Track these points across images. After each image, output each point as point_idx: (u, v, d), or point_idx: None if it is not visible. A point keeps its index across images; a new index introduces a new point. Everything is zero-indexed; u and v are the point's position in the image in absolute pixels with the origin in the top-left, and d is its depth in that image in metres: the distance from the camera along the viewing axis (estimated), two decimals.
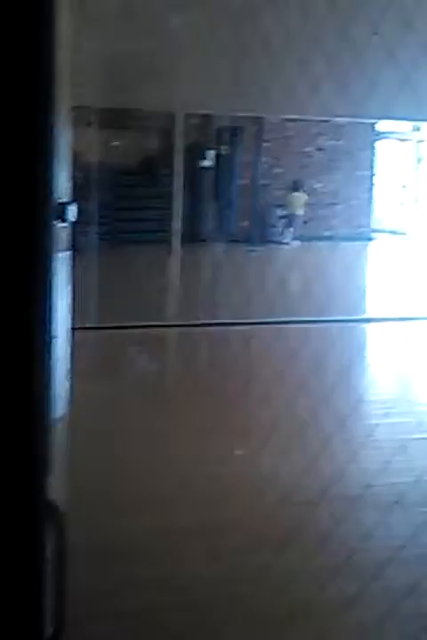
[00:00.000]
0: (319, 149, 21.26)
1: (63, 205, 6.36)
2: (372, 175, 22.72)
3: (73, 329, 8.71)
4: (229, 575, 4.66)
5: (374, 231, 22.79)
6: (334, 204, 20.87)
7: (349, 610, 4.47)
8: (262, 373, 6.33)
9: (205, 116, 19.01)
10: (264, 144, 20.50)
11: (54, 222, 1.41)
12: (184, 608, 4.54)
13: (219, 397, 6.35)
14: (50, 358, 1.40)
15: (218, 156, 18.92)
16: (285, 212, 21.17)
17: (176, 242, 16.22)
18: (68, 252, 6.29)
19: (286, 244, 20.83)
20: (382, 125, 21.88)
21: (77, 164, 9.78)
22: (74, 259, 8.19)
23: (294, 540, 4.95)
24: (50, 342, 1.40)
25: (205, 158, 19.75)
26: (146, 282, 10.76)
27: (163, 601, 4.59)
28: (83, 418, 6.96)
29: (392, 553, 4.76)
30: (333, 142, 20.82)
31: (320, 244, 18.89)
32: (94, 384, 8.38)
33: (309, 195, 21.18)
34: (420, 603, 4.42)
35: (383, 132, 23.03)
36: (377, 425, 5.65)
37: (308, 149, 21.34)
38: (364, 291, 13.08)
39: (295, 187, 20.95)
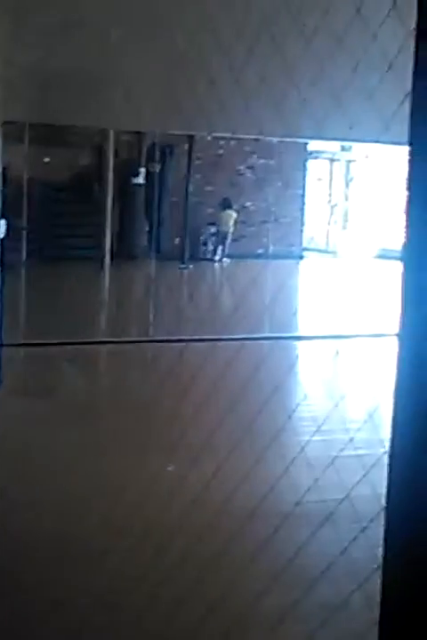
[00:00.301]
0: (251, 168, 21.41)
1: None
2: (303, 194, 22.93)
3: (1, 345, 8.62)
4: (159, 593, 4.63)
5: (305, 249, 23.00)
6: (265, 222, 21.02)
7: (280, 626, 4.47)
8: (194, 390, 6.33)
9: (138, 134, 19.00)
10: (196, 162, 20.56)
11: None
12: (115, 628, 4.50)
13: (151, 414, 6.33)
14: None
15: (150, 174, 18.92)
16: (216, 230, 21.26)
17: (107, 258, 16.17)
18: None
19: (218, 261, 20.90)
20: (314, 145, 22.12)
21: (8, 180, 9.68)
22: (3, 275, 8.11)
23: (224, 557, 4.95)
24: None
25: (137, 175, 19.73)
26: (76, 298, 10.70)
27: (92, 623, 4.54)
28: (9, 436, 6.87)
29: (323, 569, 4.77)
30: (264, 161, 20.97)
31: (251, 261, 18.99)
32: (23, 401, 8.28)
33: (239, 213, 21.29)
34: (351, 618, 4.44)
35: (314, 152, 23.28)
36: (308, 441, 5.68)
37: (239, 168, 21.46)
38: (295, 308, 13.19)
39: (225, 204, 21.06)
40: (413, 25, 1.41)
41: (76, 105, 7.16)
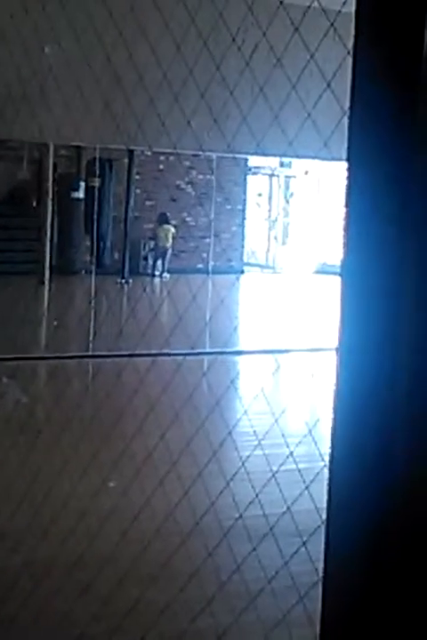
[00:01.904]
0: (191, 183, 21.45)
1: None
2: (243, 209, 23.04)
3: None
4: (98, 610, 4.60)
5: (246, 265, 23.09)
6: (204, 237, 21.06)
7: None
8: (135, 406, 6.31)
9: (77, 148, 18.93)
10: (136, 177, 20.54)
11: None
12: None
13: (90, 430, 6.30)
14: None
15: (90, 188, 18.84)
16: (155, 245, 21.25)
17: (47, 273, 16.07)
18: None
19: (157, 276, 20.88)
20: (254, 161, 22.24)
21: None
22: None
23: (165, 572, 4.93)
24: None
25: (76, 190, 19.65)
26: (15, 313, 10.62)
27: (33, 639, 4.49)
28: None
29: (263, 583, 4.79)
30: (204, 176, 21.03)
31: (191, 276, 19.01)
32: None
33: (179, 228, 21.31)
34: (291, 632, 4.46)
35: (254, 168, 23.40)
36: (249, 456, 5.69)
37: (179, 183, 21.49)
38: (235, 324, 13.23)
39: (163, 219, 21.07)
40: (350, 44, 1.43)
41: (14, 119, 7.11)
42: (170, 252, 21.14)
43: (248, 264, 23.22)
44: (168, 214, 21.02)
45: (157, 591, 4.82)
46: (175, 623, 4.65)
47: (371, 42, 1.38)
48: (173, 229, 21.14)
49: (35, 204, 19.07)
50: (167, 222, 21.06)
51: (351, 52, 1.40)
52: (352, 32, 1.39)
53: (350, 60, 1.43)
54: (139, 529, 5.32)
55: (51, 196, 17.46)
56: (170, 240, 21.10)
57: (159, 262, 21.08)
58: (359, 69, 1.39)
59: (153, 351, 9.44)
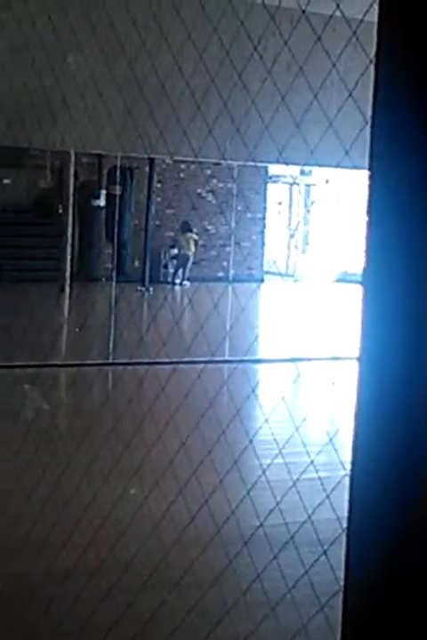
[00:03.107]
0: (211, 191, 21.46)
1: None
2: (263, 218, 23.04)
3: None
4: (120, 617, 4.61)
5: (266, 273, 23.08)
6: (225, 245, 21.07)
7: None
8: (155, 414, 6.32)
9: (99, 156, 18.99)
10: (157, 185, 20.59)
11: None
12: None
13: (113, 438, 6.31)
14: None
15: (111, 196, 18.89)
16: (176, 253, 21.28)
17: (67, 280, 16.11)
18: None
19: (178, 284, 20.91)
20: (274, 169, 22.24)
21: None
22: None
23: (186, 580, 4.93)
24: None
25: (97, 198, 19.71)
26: (36, 321, 10.65)
27: None
28: None
29: (284, 592, 4.78)
30: (224, 185, 21.04)
31: (212, 285, 19.03)
32: None
33: (200, 236, 21.34)
34: None
35: (274, 176, 23.40)
36: (269, 465, 5.69)
37: (200, 191, 21.52)
38: (255, 332, 13.22)
39: (186, 228, 21.09)
40: (372, 53, 1.43)
41: (36, 127, 7.15)
42: (191, 260, 21.16)
43: (268, 272, 23.21)
44: (190, 222, 21.04)
45: (177, 598, 4.82)
46: (195, 631, 4.65)
47: (393, 50, 1.38)
48: (195, 237, 21.16)
49: (56, 211, 19.14)
50: (190, 230, 21.08)
51: (373, 61, 1.40)
52: (374, 40, 1.39)
53: (372, 69, 1.43)
54: (159, 536, 5.32)
55: (72, 203, 17.52)
56: (192, 248, 21.12)
57: (180, 270, 21.11)
58: (381, 78, 1.40)
59: (174, 359, 9.45)
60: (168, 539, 5.30)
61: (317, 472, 5.51)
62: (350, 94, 3.72)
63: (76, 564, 5.19)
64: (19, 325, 11.27)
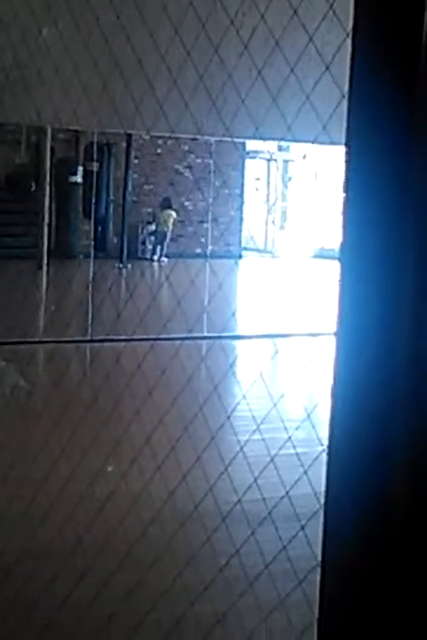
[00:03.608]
0: (189, 167, 21.41)
1: None
2: (241, 194, 23.01)
3: None
4: (99, 594, 4.61)
5: (244, 249, 23.08)
6: (202, 221, 21.04)
7: (219, 625, 4.48)
8: (133, 390, 6.31)
9: (75, 132, 18.90)
10: (134, 161, 20.51)
11: None
12: (51, 630, 4.46)
13: (90, 414, 6.30)
14: None
15: (88, 172, 18.81)
16: (154, 229, 21.23)
17: (45, 257, 16.05)
18: None
19: (156, 260, 20.88)
20: (252, 145, 22.21)
21: None
22: None
23: (164, 557, 4.94)
24: None
25: (74, 174, 19.62)
26: (13, 297, 10.61)
27: (32, 622, 4.51)
28: None
29: (262, 568, 4.79)
30: (202, 160, 20.99)
31: (189, 261, 18.99)
32: None
33: (178, 212, 21.29)
34: (288, 617, 4.47)
35: (252, 152, 23.37)
36: (247, 441, 5.70)
37: (177, 167, 21.46)
38: (233, 308, 13.23)
39: (165, 204, 21.04)
40: (350, 26, 1.42)
41: (11, 102, 7.09)
42: (169, 236, 21.13)
43: (246, 248, 23.21)
44: (170, 199, 20.99)
45: (155, 576, 4.82)
46: (173, 608, 4.67)
47: (370, 25, 1.37)
48: (174, 214, 21.13)
49: (33, 188, 19.04)
50: (170, 207, 21.04)
51: (350, 35, 1.39)
52: (351, 14, 1.38)
53: (349, 43, 1.42)
54: (137, 513, 5.32)
55: (49, 180, 17.43)
56: (170, 225, 21.08)
57: (158, 247, 21.07)
58: (358, 52, 1.38)
59: (151, 335, 9.44)
60: (146, 516, 5.30)
61: (294, 448, 5.53)
62: (327, 68, 3.70)
63: (53, 542, 5.18)
64: None
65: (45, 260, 16.10)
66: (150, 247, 21.23)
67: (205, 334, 11.94)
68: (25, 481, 5.55)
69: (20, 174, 19.54)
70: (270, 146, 22.72)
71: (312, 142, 5.31)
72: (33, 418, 7.63)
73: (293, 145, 21.24)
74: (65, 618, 4.55)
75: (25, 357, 10.84)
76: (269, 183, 24.79)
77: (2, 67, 6.68)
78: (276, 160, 24.34)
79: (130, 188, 20.02)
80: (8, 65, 6.69)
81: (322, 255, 21.57)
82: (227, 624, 4.56)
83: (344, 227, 1.40)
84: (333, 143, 4.52)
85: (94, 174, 16.93)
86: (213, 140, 16.12)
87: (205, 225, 20.38)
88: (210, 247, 18.67)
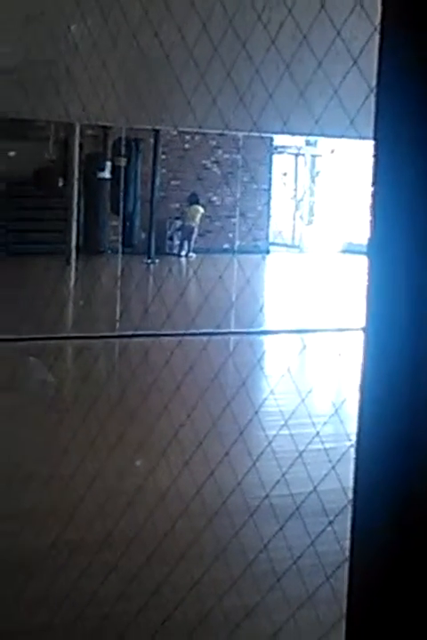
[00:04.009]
0: (216, 163, 21.40)
1: None
2: (269, 189, 22.97)
3: None
4: (126, 590, 4.63)
5: (272, 244, 23.03)
6: (230, 216, 21.02)
7: (247, 620, 4.49)
8: (161, 385, 6.32)
9: (104, 128, 18.93)
10: (162, 156, 20.53)
11: None
12: (80, 626, 4.48)
13: (119, 409, 6.32)
14: None
15: (116, 168, 18.85)
16: (182, 225, 21.24)
17: (73, 253, 16.11)
18: None
19: (184, 256, 20.89)
20: (279, 140, 22.16)
21: None
22: None
23: (192, 552, 4.95)
24: None
25: (102, 170, 19.66)
26: (42, 293, 10.65)
27: (59, 619, 4.53)
28: None
29: (290, 563, 4.79)
30: (230, 155, 20.97)
31: (217, 256, 19.00)
32: None
33: (205, 207, 21.29)
34: (316, 612, 4.46)
35: (280, 147, 23.31)
36: (275, 436, 5.70)
37: (205, 162, 21.45)
38: (261, 303, 13.23)
39: (192, 199, 21.04)
40: (377, 21, 1.41)
41: (40, 98, 7.12)
42: (196, 231, 21.13)
43: (274, 244, 23.17)
44: (198, 194, 20.99)
45: (183, 570, 4.83)
46: (202, 602, 4.67)
47: (398, 18, 1.36)
48: (202, 210, 21.12)
49: (61, 184, 19.11)
50: (198, 202, 21.03)
51: (378, 29, 1.38)
52: (379, 8, 1.38)
53: (377, 37, 1.41)
54: (165, 508, 5.34)
55: (77, 176, 17.49)
56: (198, 220, 21.08)
57: (186, 242, 21.08)
58: (386, 46, 1.38)
59: (179, 331, 9.45)
60: (174, 511, 5.31)
61: (322, 443, 5.51)
62: (355, 62, 3.69)
63: (83, 537, 5.21)
64: (25, 298, 11.29)
65: (74, 256, 16.16)
66: (178, 243, 21.23)
67: (233, 330, 11.94)
68: (54, 476, 5.58)
69: (49, 170, 19.61)
70: (298, 141, 22.66)
71: (340, 137, 5.30)
72: (61, 413, 7.67)
73: (320, 140, 21.17)
74: (93, 613, 4.57)
75: (53, 353, 10.89)
76: (296, 178, 24.72)
77: (30, 63, 6.71)
78: (303, 155, 24.27)
79: (158, 183, 20.04)
80: (36, 61, 6.72)
81: (350, 250, 21.49)
82: (255, 619, 4.57)
83: (372, 221, 1.40)
84: (361, 137, 4.51)
85: (122, 170, 16.96)
86: (240, 135, 16.10)
87: (232, 220, 20.36)
88: (237, 242, 18.66)
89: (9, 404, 7.96)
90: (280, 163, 23.91)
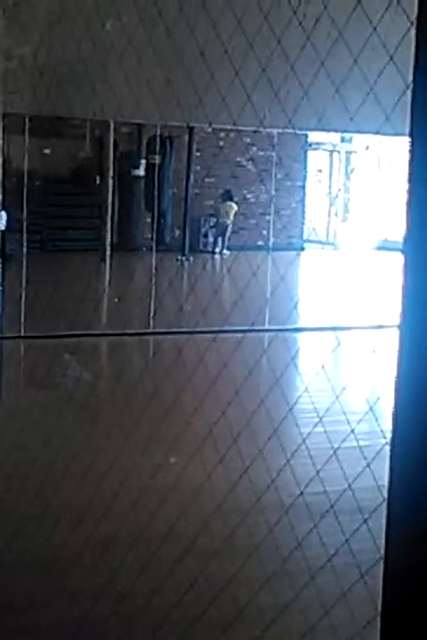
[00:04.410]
0: (251, 160, 21.37)
1: None
2: (303, 186, 22.91)
3: (2, 338, 8.62)
4: (162, 585, 4.64)
5: (306, 241, 22.98)
6: (264, 213, 20.98)
7: (281, 617, 4.48)
8: (196, 382, 6.33)
9: (138, 125, 18.98)
10: (196, 153, 20.54)
11: None
12: (115, 620, 4.50)
13: (153, 406, 6.34)
14: None
15: (150, 165, 18.89)
16: (216, 222, 21.24)
17: (108, 250, 16.17)
18: None
19: (218, 253, 20.89)
20: (314, 136, 22.09)
21: (8, 172, 9.67)
22: (3, 267, 8.11)
23: (226, 549, 4.95)
24: None
25: (137, 167, 19.71)
26: (77, 291, 10.72)
27: (97, 612, 4.55)
28: (10, 428, 6.88)
29: (324, 561, 4.78)
30: (264, 152, 20.94)
31: (251, 253, 18.99)
32: (23, 394, 8.29)
33: (239, 205, 21.27)
34: (352, 609, 4.45)
35: (314, 143, 23.25)
36: (309, 433, 5.68)
37: (239, 159, 21.44)
38: (295, 301, 13.21)
39: (225, 196, 21.03)
40: (414, 16, 1.41)
41: (76, 96, 7.15)
42: (230, 228, 21.12)
43: (308, 240, 23.11)
44: (231, 191, 20.98)
45: (217, 567, 4.84)
46: (235, 599, 4.67)
47: None
48: (235, 206, 21.10)
49: (96, 181, 19.19)
50: (231, 199, 21.02)
51: (415, 24, 1.37)
52: (416, 3, 1.37)
53: (413, 33, 1.40)
54: (199, 505, 5.35)
55: (112, 173, 17.55)
56: (231, 217, 21.07)
57: (220, 239, 21.08)
58: (423, 42, 1.37)
59: (213, 328, 9.46)
60: (208, 507, 5.32)
61: (357, 441, 5.50)
62: (391, 58, 3.67)
63: (117, 533, 5.23)
64: (60, 296, 11.36)
65: (108, 253, 16.22)
66: (212, 240, 21.24)
67: (267, 327, 11.92)
68: (89, 472, 5.61)
69: (85, 168, 19.69)
70: (333, 137, 22.58)
71: (375, 133, 5.27)
72: (96, 410, 7.71)
73: (355, 136, 21.08)
74: (128, 608, 4.59)
75: (88, 350, 10.94)
76: (331, 175, 24.64)
77: (66, 61, 6.74)
78: (338, 151, 24.18)
79: (192, 180, 20.06)
80: (72, 59, 6.74)
81: (385, 247, 21.38)
82: (289, 616, 4.56)
83: (408, 218, 1.39)
84: (396, 134, 4.48)
85: (156, 168, 16.99)
86: (275, 131, 16.07)
87: (266, 217, 20.33)
88: (272, 239, 18.62)
89: (44, 401, 8.00)
90: (315, 159, 23.84)
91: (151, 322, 12.12)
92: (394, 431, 1.43)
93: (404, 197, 1.40)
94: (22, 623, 4.54)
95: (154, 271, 12.95)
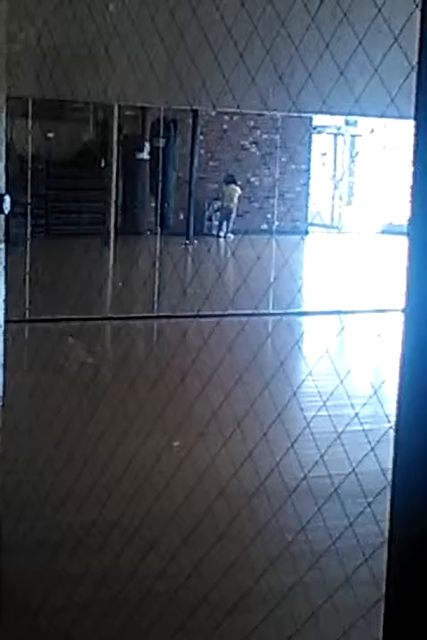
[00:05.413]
0: (255, 143, 21.33)
1: None
2: (308, 169, 22.87)
3: (6, 322, 8.61)
4: (165, 569, 4.65)
5: (310, 225, 22.95)
6: (269, 197, 20.95)
7: (285, 600, 4.49)
8: (200, 366, 6.33)
9: (142, 109, 18.94)
10: (200, 137, 20.50)
11: None
12: (119, 603, 4.52)
13: (156, 390, 6.34)
14: None
15: (154, 149, 18.86)
16: (220, 206, 21.21)
17: (112, 234, 16.15)
18: (2, 245, 6.22)
19: (222, 237, 20.87)
20: (318, 119, 22.03)
21: (12, 156, 9.65)
22: (7, 251, 8.11)
23: (230, 532, 4.96)
24: None
25: (141, 151, 19.68)
26: (81, 274, 10.72)
27: (98, 598, 4.57)
28: (14, 411, 6.88)
29: (328, 544, 4.79)
30: (269, 136, 20.90)
31: (255, 237, 18.96)
32: (27, 377, 8.30)
33: (244, 188, 21.24)
34: (356, 593, 4.46)
35: (319, 126, 23.19)
36: (313, 417, 5.68)
37: (243, 143, 21.40)
38: (299, 284, 13.19)
39: (230, 180, 21.00)
40: None
41: (79, 80, 7.13)
42: (235, 212, 21.09)
43: (313, 224, 23.07)
44: (234, 174, 20.95)
45: (221, 550, 4.85)
46: (239, 582, 4.69)
47: None
48: (239, 190, 21.07)
49: (100, 165, 19.16)
50: (234, 182, 20.98)
51: (420, 5, 1.36)
52: None
53: (418, 14, 1.40)
54: (203, 489, 5.35)
55: (116, 157, 17.51)
56: (235, 200, 21.04)
57: (224, 223, 21.05)
58: None
59: (217, 312, 9.45)
60: (212, 491, 5.33)
61: (361, 424, 5.50)
62: (396, 40, 3.65)
63: (121, 516, 5.24)
64: (64, 279, 11.35)
65: (112, 237, 16.21)
66: (216, 223, 21.22)
67: (272, 311, 11.92)
68: (93, 455, 5.61)
69: (88, 152, 19.67)
70: (337, 120, 22.52)
71: (380, 116, 5.25)
72: (100, 393, 7.70)
73: (360, 119, 21.02)
74: (132, 591, 4.60)
75: (92, 333, 10.95)
76: (335, 158, 24.58)
77: (69, 43, 6.72)
78: (343, 134, 24.12)
79: (196, 164, 20.02)
80: (75, 42, 6.72)
81: (390, 231, 21.34)
82: (293, 600, 4.57)
83: (413, 202, 1.38)
84: (401, 117, 4.47)
85: (161, 151, 16.96)
86: (279, 115, 16.03)
87: (271, 201, 20.30)
88: (276, 223, 18.61)
89: (48, 384, 8.00)
90: (319, 143, 23.78)
91: (155, 305, 12.12)
92: (398, 415, 1.42)
93: (409, 181, 1.39)
94: (29, 604, 4.55)
95: (158, 255, 12.94)
